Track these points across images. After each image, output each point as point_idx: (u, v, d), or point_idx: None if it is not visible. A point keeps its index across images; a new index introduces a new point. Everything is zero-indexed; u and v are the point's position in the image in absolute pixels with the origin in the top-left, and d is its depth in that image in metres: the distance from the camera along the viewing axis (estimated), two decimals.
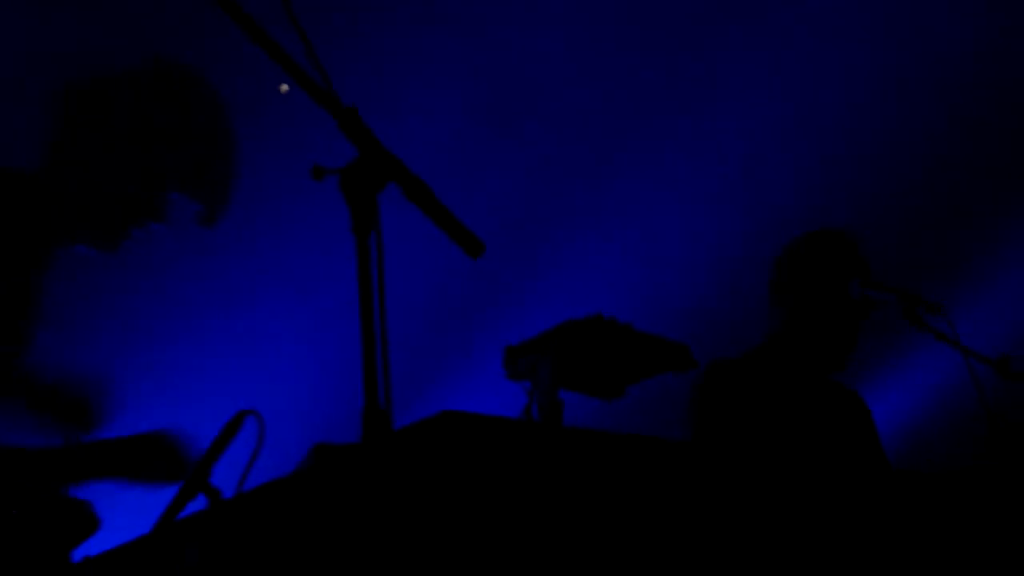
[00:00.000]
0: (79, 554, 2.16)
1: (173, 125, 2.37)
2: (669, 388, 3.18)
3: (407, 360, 3.95)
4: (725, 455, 2.37)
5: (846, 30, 5.81)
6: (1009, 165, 5.86)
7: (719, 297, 5.61)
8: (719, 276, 5.64)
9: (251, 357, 4.76)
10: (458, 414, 1.92)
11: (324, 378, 5.06)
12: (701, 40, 5.81)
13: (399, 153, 2.02)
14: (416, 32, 5.52)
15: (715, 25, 5.78)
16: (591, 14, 5.73)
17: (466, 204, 2.25)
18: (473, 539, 1.87)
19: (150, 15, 4.58)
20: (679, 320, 5.25)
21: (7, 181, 2.31)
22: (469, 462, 1.91)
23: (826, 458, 3.19)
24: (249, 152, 2.52)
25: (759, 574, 2.04)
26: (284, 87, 2.02)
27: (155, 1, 4.62)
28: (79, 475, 2.33)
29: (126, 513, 2.46)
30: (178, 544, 2.11)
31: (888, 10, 5.80)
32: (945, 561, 2.26)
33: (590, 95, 5.91)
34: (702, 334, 3.94)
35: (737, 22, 5.78)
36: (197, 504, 2.26)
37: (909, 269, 5.16)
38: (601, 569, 1.95)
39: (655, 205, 5.96)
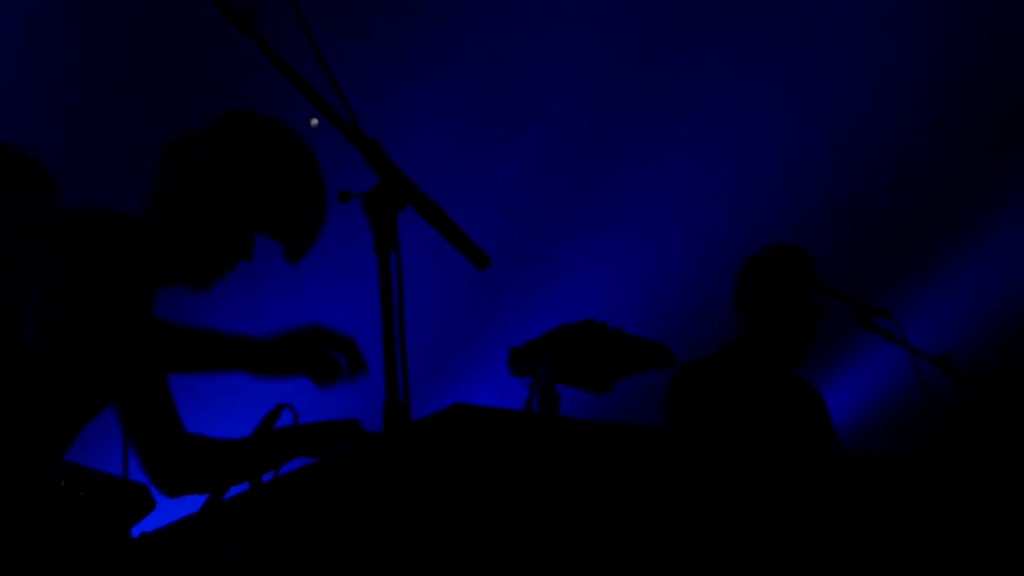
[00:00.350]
0: (137, 530, 2.39)
1: (263, 174, 2.53)
2: (652, 383, 3.38)
3: (422, 359, 4.15)
4: (697, 440, 2.68)
5: (845, 31, 5.90)
6: (962, 176, 6.00)
7: (720, 298, 5.74)
8: (719, 276, 5.75)
9: None
10: (468, 407, 2.06)
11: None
12: (700, 40, 5.87)
13: (400, 153, 2.18)
14: (416, 32, 5.59)
15: (714, 25, 5.85)
16: (591, 14, 5.79)
17: (467, 205, 2.46)
18: (482, 515, 2.04)
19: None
20: (678, 319, 5.47)
21: (126, 225, 2.48)
22: (478, 448, 2.06)
23: (784, 442, 3.49)
24: None
25: (728, 536, 2.28)
26: (314, 121, 2.25)
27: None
28: (279, 460, 2.62)
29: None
30: (223, 522, 2.35)
31: (888, 10, 5.90)
32: (886, 535, 2.50)
33: (590, 95, 5.95)
34: (702, 332, 4.21)
35: (737, 22, 5.86)
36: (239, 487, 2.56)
37: (877, 272, 5.38)
38: (592, 542, 2.14)
39: (655, 205, 6.03)
